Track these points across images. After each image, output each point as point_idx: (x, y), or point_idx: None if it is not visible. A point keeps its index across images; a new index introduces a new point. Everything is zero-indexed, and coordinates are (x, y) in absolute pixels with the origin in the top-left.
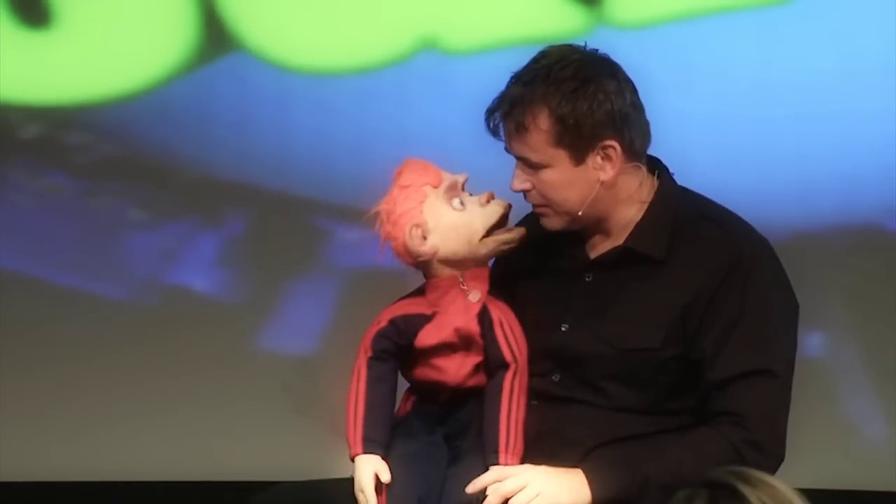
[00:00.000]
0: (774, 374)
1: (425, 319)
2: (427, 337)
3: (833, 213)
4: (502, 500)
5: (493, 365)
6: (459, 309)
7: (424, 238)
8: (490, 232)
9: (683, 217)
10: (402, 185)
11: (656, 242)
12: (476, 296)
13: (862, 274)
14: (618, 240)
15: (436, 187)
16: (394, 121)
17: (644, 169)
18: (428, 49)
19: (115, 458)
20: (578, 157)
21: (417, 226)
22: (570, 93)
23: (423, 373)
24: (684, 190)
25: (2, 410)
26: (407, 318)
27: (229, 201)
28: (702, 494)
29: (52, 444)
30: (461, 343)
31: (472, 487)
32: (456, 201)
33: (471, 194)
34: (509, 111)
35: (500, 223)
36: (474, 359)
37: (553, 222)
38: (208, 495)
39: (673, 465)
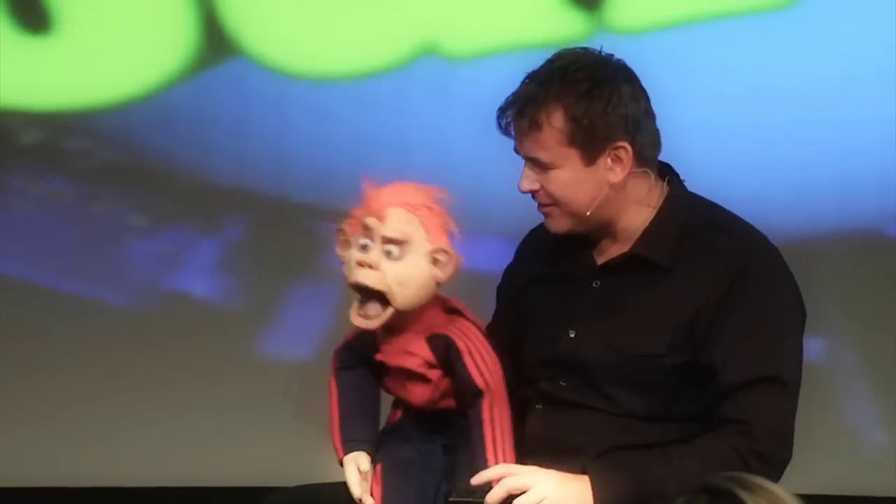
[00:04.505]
0: (783, 381)
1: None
2: (384, 354)
3: (833, 219)
4: (507, 493)
5: (468, 392)
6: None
7: (346, 243)
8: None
9: (692, 224)
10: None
11: (663, 249)
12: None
13: (862, 279)
14: (625, 245)
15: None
16: (393, 126)
17: (653, 175)
18: (428, 55)
19: (113, 464)
20: (589, 157)
21: (343, 231)
22: (586, 93)
23: (393, 388)
24: (694, 196)
25: (1, 416)
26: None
27: (229, 207)
28: (701, 500)
29: (50, 450)
30: (421, 367)
31: (477, 479)
32: (362, 240)
33: (385, 250)
34: (523, 108)
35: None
36: (438, 387)
37: (559, 224)
38: (209, 501)
39: (679, 473)
